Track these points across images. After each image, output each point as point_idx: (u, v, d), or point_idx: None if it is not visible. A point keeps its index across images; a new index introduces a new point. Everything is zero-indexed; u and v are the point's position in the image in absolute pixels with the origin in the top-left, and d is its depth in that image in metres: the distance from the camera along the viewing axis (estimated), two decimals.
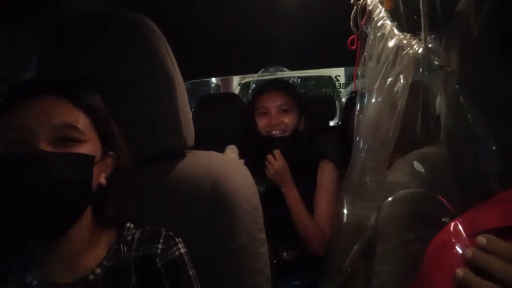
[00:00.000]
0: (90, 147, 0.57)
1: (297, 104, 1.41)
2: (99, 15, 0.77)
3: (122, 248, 0.61)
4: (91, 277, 0.58)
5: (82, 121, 0.57)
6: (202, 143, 0.89)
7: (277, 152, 1.32)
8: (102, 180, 0.61)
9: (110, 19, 0.74)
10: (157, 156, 0.76)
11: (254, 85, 1.60)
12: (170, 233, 0.64)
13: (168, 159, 0.77)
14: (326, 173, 1.36)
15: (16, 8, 0.89)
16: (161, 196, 0.74)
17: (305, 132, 1.42)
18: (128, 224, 0.66)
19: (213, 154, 0.80)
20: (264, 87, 1.45)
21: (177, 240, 0.63)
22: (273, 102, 1.37)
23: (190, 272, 0.62)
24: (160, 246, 0.61)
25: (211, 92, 4.18)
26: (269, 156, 1.32)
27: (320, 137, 1.59)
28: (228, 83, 4.61)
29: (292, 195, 1.30)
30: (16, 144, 0.52)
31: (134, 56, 0.71)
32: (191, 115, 0.82)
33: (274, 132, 1.36)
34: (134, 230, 0.65)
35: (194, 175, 0.75)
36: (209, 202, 0.72)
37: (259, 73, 1.70)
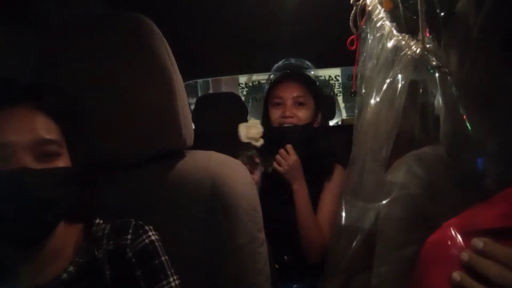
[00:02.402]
0: (65, 157, 0.58)
1: (314, 99, 1.34)
2: (99, 14, 0.77)
3: (91, 244, 0.61)
4: (64, 275, 0.58)
5: (57, 133, 0.58)
6: (202, 143, 0.89)
7: (289, 146, 1.24)
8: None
9: (110, 19, 0.74)
10: (157, 156, 0.76)
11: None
12: (140, 222, 0.64)
13: (167, 159, 0.77)
14: (338, 178, 1.28)
15: (16, 8, 0.89)
16: (160, 196, 0.74)
17: (320, 129, 1.35)
18: (97, 220, 0.66)
19: (213, 154, 0.80)
20: (281, 77, 1.39)
21: (146, 228, 0.63)
22: (289, 93, 1.30)
23: (163, 258, 0.62)
24: (129, 236, 0.61)
25: (199, 89, 3.91)
26: (282, 151, 1.24)
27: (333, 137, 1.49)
28: (219, 81, 4.49)
29: (302, 194, 1.22)
30: None
31: (133, 56, 0.71)
32: (191, 115, 0.82)
33: (286, 125, 1.28)
34: (104, 225, 0.65)
35: (193, 175, 0.75)
36: (209, 202, 0.72)
37: (277, 64, 1.54)
